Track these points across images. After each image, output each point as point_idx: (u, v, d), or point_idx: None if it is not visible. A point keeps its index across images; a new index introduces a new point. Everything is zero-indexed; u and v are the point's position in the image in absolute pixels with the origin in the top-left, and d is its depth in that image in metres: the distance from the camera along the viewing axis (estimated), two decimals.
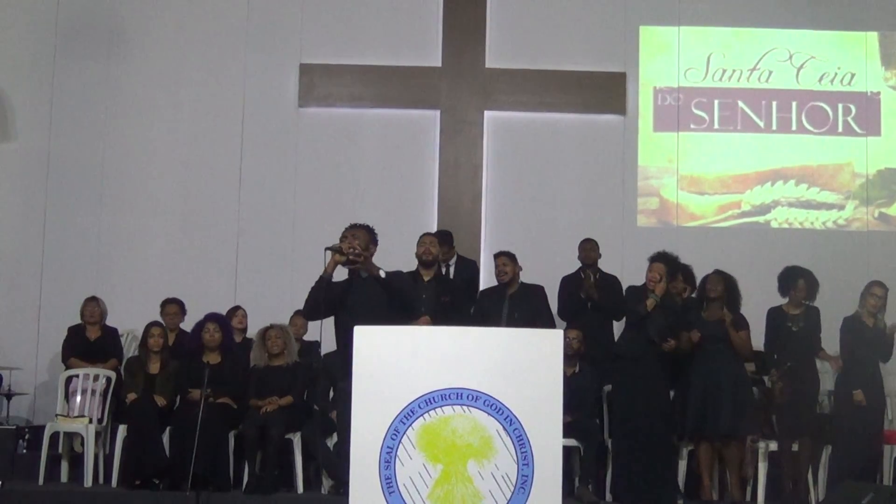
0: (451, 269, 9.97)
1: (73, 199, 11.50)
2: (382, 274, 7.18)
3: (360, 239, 7.32)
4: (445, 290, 9.24)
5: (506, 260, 9.49)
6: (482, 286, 10.58)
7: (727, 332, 8.85)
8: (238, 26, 11.74)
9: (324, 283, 7.20)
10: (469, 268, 10.15)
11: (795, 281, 9.11)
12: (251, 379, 9.34)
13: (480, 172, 11.56)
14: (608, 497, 8.96)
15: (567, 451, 8.40)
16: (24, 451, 9.86)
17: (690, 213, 11.70)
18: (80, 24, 11.64)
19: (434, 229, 10.70)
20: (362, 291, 7.26)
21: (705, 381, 8.77)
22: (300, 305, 10.25)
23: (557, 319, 9.88)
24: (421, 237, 9.39)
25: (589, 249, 10.13)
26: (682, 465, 9.03)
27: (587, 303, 9.80)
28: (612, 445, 9.00)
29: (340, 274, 7.50)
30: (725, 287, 9.01)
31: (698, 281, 9.34)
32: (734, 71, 11.79)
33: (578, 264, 10.19)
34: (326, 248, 7.24)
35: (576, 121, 11.74)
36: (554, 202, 11.62)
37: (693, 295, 9.42)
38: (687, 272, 9.61)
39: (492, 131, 11.67)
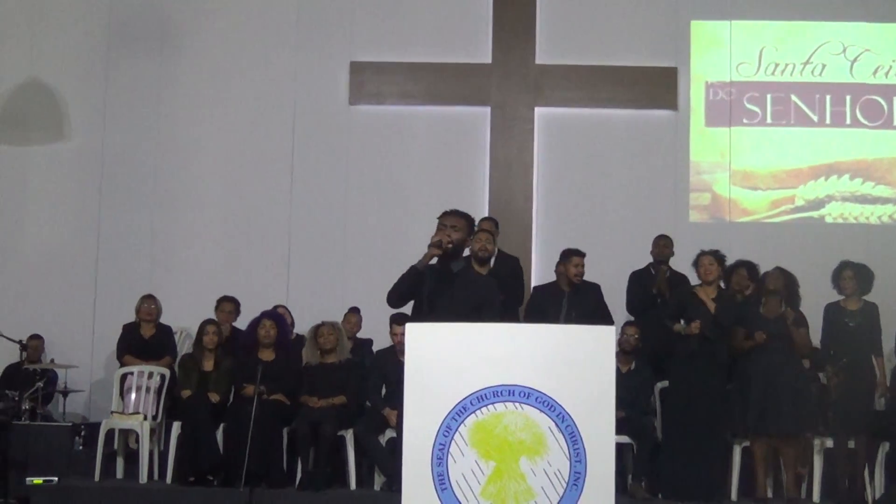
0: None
1: (127, 198, 11.60)
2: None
3: (461, 230, 7.02)
4: (500, 286, 9.14)
5: (582, 260, 9.36)
6: (533, 282, 10.56)
7: (787, 329, 8.78)
8: (288, 25, 11.79)
9: (414, 274, 6.90)
10: (510, 264, 9.99)
11: (841, 272, 9.06)
12: (304, 376, 9.37)
13: (531, 169, 11.53)
14: (660, 494, 8.91)
15: (620, 447, 8.37)
16: (81, 447, 9.94)
17: (743, 208, 11.62)
18: (132, 24, 11.74)
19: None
20: (450, 288, 6.89)
21: (765, 378, 8.69)
22: (353, 302, 10.38)
23: (616, 316, 9.83)
24: (476, 233, 9.23)
25: (663, 246, 10.11)
26: (737, 462, 8.96)
27: (656, 298, 9.75)
28: (663, 441, 8.95)
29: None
30: (786, 284, 8.96)
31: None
32: (787, 65, 11.69)
33: (630, 260, 10.16)
34: (430, 245, 6.87)
35: (627, 116, 11.68)
36: (605, 198, 11.58)
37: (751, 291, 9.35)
38: (751, 268, 9.53)
39: (543, 128, 11.64)
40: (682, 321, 8.89)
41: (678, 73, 11.67)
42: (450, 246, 6.82)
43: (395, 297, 7.12)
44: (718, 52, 11.74)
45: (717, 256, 8.95)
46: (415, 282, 6.86)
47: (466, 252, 7.68)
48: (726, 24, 11.73)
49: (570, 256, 9.41)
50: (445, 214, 7.09)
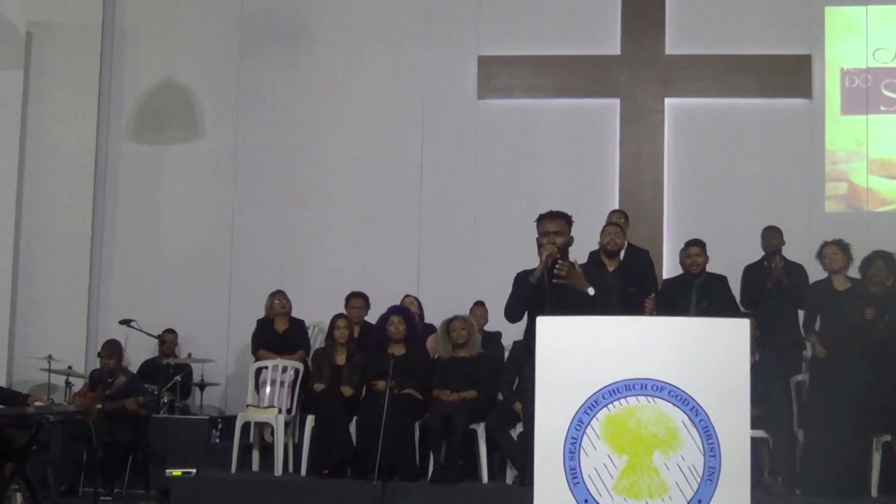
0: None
1: (260, 195, 11.81)
2: (591, 292, 6.78)
3: (563, 233, 6.77)
4: (631, 280, 9.09)
5: (699, 250, 9.32)
6: (664, 274, 10.48)
7: None
8: (417, 20, 11.86)
9: (529, 288, 6.70)
10: (641, 257, 9.90)
11: None
12: (436, 370, 9.41)
13: (661, 160, 11.42)
14: (798, 490, 8.75)
15: (755, 442, 8.23)
16: (217, 440, 10.15)
17: (881, 197, 11.35)
18: (263, 24, 11.94)
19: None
20: (559, 287, 6.70)
21: None
22: (482, 296, 10.37)
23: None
24: (605, 227, 9.25)
25: (771, 237, 9.90)
26: (877, 458, 8.74)
27: (770, 291, 9.59)
28: (804, 436, 8.78)
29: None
30: None
31: None
32: None
33: (763, 252, 10.00)
34: (541, 260, 6.69)
35: (760, 106, 11.50)
36: (738, 189, 11.42)
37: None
38: (888, 259, 9.28)
39: (673, 118, 11.52)
40: (816, 331, 8.75)
41: (812, 60, 11.45)
42: (558, 257, 6.68)
43: (516, 313, 6.88)
44: (854, 39, 11.47)
45: (841, 245, 8.75)
46: (532, 295, 6.68)
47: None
48: (862, 9, 11.46)
49: (687, 247, 9.39)
50: (544, 219, 6.84)
